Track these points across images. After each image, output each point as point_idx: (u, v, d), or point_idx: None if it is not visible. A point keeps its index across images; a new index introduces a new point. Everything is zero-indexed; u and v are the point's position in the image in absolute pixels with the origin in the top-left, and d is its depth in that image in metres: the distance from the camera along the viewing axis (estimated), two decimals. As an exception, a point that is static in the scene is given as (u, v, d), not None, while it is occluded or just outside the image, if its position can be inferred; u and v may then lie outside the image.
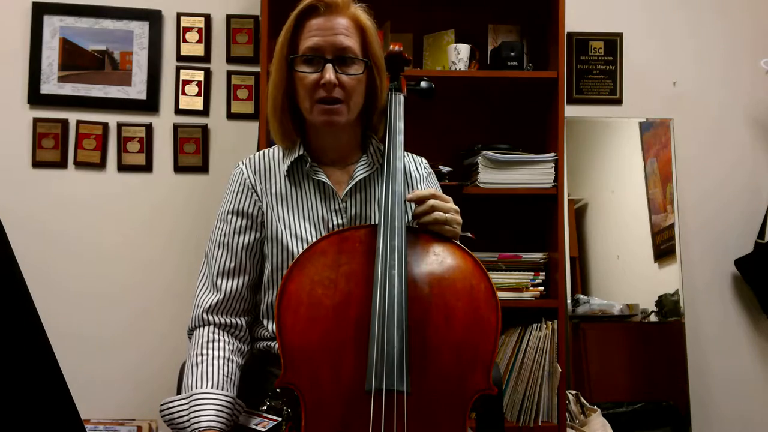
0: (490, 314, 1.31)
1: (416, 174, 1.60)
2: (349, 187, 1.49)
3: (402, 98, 1.57)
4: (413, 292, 1.30)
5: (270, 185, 1.50)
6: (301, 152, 1.49)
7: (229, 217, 1.49)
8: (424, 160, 1.66)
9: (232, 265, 1.47)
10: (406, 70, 1.65)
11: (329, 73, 1.41)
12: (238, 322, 1.46)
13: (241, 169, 1.52)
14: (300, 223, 1.47)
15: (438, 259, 1.37)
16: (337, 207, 1.49)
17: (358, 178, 1.50)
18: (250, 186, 1.50)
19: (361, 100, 1.48)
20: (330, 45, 1.42)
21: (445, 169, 2.36)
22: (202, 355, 1.38)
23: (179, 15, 2.65)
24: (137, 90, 2.63)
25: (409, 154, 1.64)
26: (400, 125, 1.52)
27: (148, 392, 2.56)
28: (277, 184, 1.50)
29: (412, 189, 1.57)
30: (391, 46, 1.63)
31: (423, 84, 1.70)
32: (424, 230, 1.44)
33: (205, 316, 1.44)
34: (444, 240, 1.41)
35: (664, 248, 2.67)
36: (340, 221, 1.48)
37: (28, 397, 0.83)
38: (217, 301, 1.44)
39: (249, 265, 1.48)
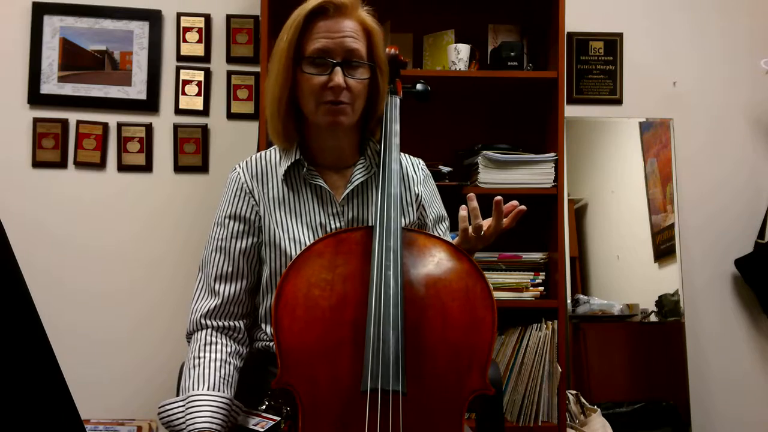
0: (486, 314, 1.31)
1: (413, 175, 1.60)
2: (347, 191, 1.49)
3: (398, 101, 1.57)
4: (409, 293, 1.30)
5: (267, 189, 1.49)
6: (297, 156, 1.49)
7: (227, 221, 1.48)
8: (422, 162, 1.66)
9: (230, 269, 1.46)
10: (406, 70, 1.65)
11: (338, 77, 1.40)
12: (237, 324, 1.46)
13: (238, 173, 1.51)
14: (298, 228, 1.47)
15: (434, 260, 1.37)
16: (334, 211, 1.49)
17: (356, 183, 1.50)
18: (248, 190, 1.49)
19: (363, 103, 1.48)
20: (339, 48, 1.41)
21: (445, 169, 2.36)
22: (199, 357, 1.38)
23: (179, 15, 2.65)
24: (137, 90, 2.63)
25: (407, 155, 1.64)
26: (397, 127, 1.52)
27: (148, 392, 2.56)
28: (275, 188, 1.49)
29: (409, 191, 1.57)
30: (387, 49, 1.62)
31: (419, 86, 1.70)
32: (419, 231, 1.44)
33: (202, 320, 1.44)
34: (440, 241, 1.41)
35: (664, 248, 2.67)
36: (337, 225, 1.48)
37: (28, 397, 0.83)
38: (215, 305, 1.44)
39: (247, 269, 1.47)
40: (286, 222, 1.47)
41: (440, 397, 1.24)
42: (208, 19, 2.66)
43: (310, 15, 1.43)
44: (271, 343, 1.45)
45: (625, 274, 2.68)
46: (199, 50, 2.66)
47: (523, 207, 1.45)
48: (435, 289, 1.33)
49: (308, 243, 1.43)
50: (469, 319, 1.31)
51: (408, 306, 1.28)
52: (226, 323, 1.44)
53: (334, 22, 1.42)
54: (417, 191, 1.58)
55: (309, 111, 1.46)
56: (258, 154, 1.55)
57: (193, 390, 1.33)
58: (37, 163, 2.61)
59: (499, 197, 1.42)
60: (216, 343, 1.41)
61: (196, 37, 2.66)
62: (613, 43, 2.72)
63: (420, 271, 1.35)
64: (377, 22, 1.49)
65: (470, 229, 1.43)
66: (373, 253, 1.32)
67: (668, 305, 2.64)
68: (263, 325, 1.49)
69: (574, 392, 2.45)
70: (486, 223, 1.45)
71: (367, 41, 1.46)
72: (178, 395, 1.40)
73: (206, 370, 1.36)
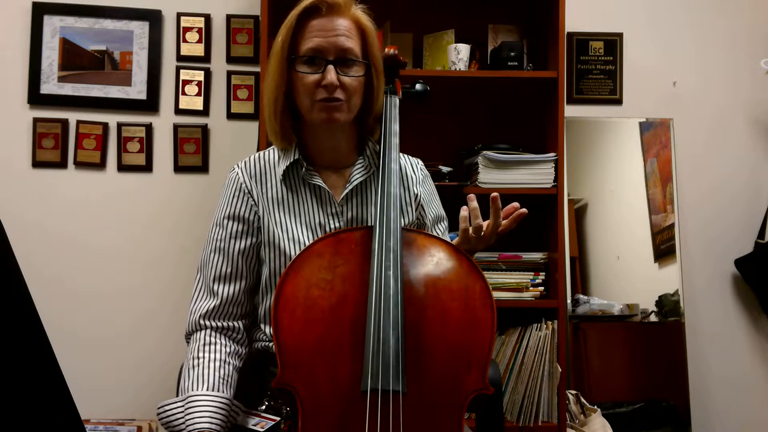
0: (485, 314, 1.31)
1: (412, 175, 1.60)
2: (346, 191, 1.49)
3: (397, 101, 1.57)
4: (409, 293, 1.30)
5: (266, 189, 1.49)
6: (296, 156, 1.49)
7: (225, 221, 1.48)
8: (421, 162, 1.66)
9: (229, 270, 1.46)
10: (406, 70, 1.65)
11: (331, 75, 1.41)
12: (236, 325, 1.46)
13: (237, 173, 1.51)
14: (297, 228, 1.47)
15: (433, 260, 1.37)
16: (333, 211, 1.49)
17: (355, 182, 1.50)
18: (247, 190, 1.49)
19: (359, 101, 1.48)
20: (332, 46, 1.42)
21: (445, 169, 2.36)
22: (198, 358, 1.38)
23: (179, 15, 2.65)
24: (137, 90, 2.63)
25: (406, 156, 1.64)
26: (396, 127, 1.52)
27: (148, 392, 2.56)
28: (274, 188, 1.49)
29: (408, 191, 1.58)
30: (386, 49, 1.63)
31: (418, 86, 1.70)
32: (419, 231, 1.44)
33: (201, 321, 1.44)
34: (439, 241, 1.41)
35: (664, 248, 2.67)
36: (337, 225, 1.48)
37: (28, 397, 0.83)
38: (214, 306, 1.44)
39: (245, 269, 1.47)
40: (285, 222, 1.47)
41: (440, 396, 1.24)
42: (208, 19, 2.66)
43: (303, 14, 1.44)
44: (271, 344, 1.45)
45: (625, 274, 2.68)
46: (199, 50, 2.66)
47: (524, 210, 1.45)
48: (435, 289, 1.33)
49: (307, 243, 1.44)
50: (469, 318, 1.31)
51: (407, 306, 1.28)
52: (225, 324, 1.44)
53: (327, 20, 1.43)
54: (416, 191, 1.58)
55: (305, 110, 1.46)
56: (257, 155, 1.55)
57: (192, 390, 1.33)
58: (37, 163, 2.61)
59: (495, 194, 1.42)
60: (215, 343, 1.41)
61: (196, 37, 2.66)
62: (613, 43, 2.72)
63: (420, 271, 1.35)
64: (372, 20, 1.49)
65: (470, 229, 1.43)
66: (373, 253, 1.32)
67: (668, 305, 2.64)
68: (262, 326, 1.49)
69: (574, 392, 2.45)
70: (486, 224, 1.45)
71: (362, 39, 1.46)
72: (177, 395, 1.40)
73: (205, 371, 1.36)
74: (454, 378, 1.25)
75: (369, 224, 1.48)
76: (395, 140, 1.50)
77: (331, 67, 1.41)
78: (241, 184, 1.50)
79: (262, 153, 1.56)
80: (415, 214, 1.58)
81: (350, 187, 1.49)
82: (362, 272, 1.32)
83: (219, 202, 1.52)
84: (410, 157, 1.65)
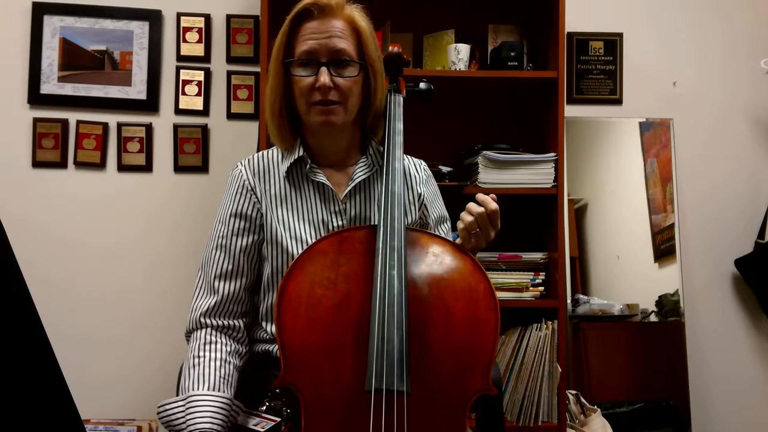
0: (489, 315, 1.31)
1: (416, 175, 1.60)
2: (349, 188, 1.49)
3: (401, 99, 1.57)
4: (413, 293, 1.30)
5: (269, 187, 1.50)
6: (300, 153, 1.49)
7: (228, 219, 1.49)
8: (424, 163, 1.66)
9: (230, 267, 1.46)
10: (405, 71, 1.66)
11: (324, 77, 1.41)
12: (236, 323, 1.46)
13: (240, 171, 1.52)
14: (300, 226, 1.47)
15: (437, 260, 1.37)
16: (336, 209, 1.49)
17: (357, 180, 1.50)
18: (250, 188, 1.49)
19: (357, 101, 1.48)
20: (324, 48, 1.42)
21: (445, 169, 2.36)
22: (198, 357, 1.38)
23: (179, 15, 2.65)
24: (137, 90, 2.63)
25: (409, 156, 1.65)
26: (400, 126, 1.52)
27: (148, 392, 2.56)
28: (276, 185, 1.50)
29: (412, 190, 1.58)
30: (390, 48, 1.63)
31: (422, 85, 1.70)
32: (423, 231, 1.44)
33: (202, 319, 1.44)
34: (443, 241, 1.41)
35: (664, 248, 2.67)
36: (340, 223, 1.48)
37: (28, 397, 0.83)
38: (215, 303, 1.44)
39: (247, 267, 1.47)
40: (288, 219, 1.47)
41: (444, 396, 1.24)
42: (208, 19, 2.66)
43: (296, 18, 1.45)
44: (271, 347, 1.45)
45: (625, 274, 2.68)
46: (199, 50, 2.65)
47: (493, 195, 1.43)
48: (438, 288, 1.33)
49: (310, 240, 1.44)
50: (472, 319, 1.31)
51: (412, 305, 1.28)
52: (225, 322, 1.44)
53: (320, 23, 1.43)
54: (419, 191, 1.58)
55: (302, 113, 1.47)
56: (259, 153, 1.56)
57: (193, 390, 1.33)
58: (37, 163, 2.61)
59: (478, 194, 1.42)
60: (216, 342, 1.41)
61: (196, 37, 2.65)
62: (613, 43, 2.72)
63: (423, 270, 1.35)
64: (369, 19, 1.49)
65: (466, 222, 1.41)
66: (377, 253, 1.32)
67: (668, 305, 2.64)
68: (264, 324, 1.49)
69: (574, 392, 2.45)
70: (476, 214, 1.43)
71: (356, 39, 1.46)
72: (177, 395, 1.40)
73: (206, 370, 1.36)
74: (457, 378, 1.25)
75: (372, 222, 1.48)
76: (399, 139, 1.50)
77: (324, 69, 1.42)
78: (245, 181, 1.50)
79: (265, 151, 1.56)
80: (418, 213, 1.58)
81: (353, 185, 1.49)
82: (366, 271, 1.32)
83: (222, 200, 1.52)
84: (413, 158, 1.65)
